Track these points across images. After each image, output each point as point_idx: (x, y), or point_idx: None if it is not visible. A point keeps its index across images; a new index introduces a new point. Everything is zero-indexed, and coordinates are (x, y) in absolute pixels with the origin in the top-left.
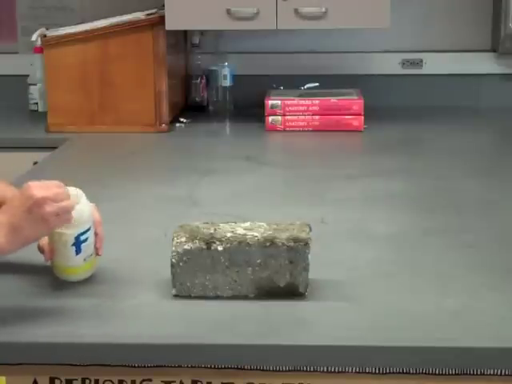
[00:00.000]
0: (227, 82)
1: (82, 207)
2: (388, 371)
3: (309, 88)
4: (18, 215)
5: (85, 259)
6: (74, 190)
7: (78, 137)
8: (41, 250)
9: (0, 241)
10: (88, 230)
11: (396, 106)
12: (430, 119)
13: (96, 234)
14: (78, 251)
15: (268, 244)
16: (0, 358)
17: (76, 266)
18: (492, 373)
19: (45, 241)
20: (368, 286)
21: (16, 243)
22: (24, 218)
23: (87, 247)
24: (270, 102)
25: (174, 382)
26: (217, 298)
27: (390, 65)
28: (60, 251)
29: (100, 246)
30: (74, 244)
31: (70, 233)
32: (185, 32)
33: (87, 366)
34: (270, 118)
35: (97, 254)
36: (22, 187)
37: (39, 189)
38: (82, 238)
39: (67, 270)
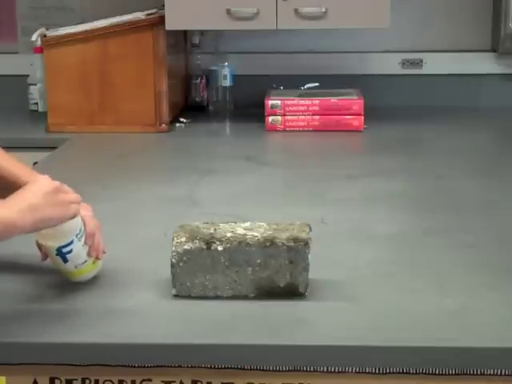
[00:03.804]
0: (227, 82)
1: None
2: (388, 371)
3: (309, 88)
4: (37, 196)
5: (76, 267)
6: None
7: (77, 137)
8: (39, 247)
9: (12, 216)
10: (70, 243)
11: (396, 106)
12: (430, 119)
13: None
14: (65, 261)
15: (268, 244)
16: (0, 357)
17: (69, 271)
18: (492, 373)
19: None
20: (368, 286)
21: (30, 222)
22: (43, 200)
23: (75, 257)
24: (270, 102)
25: (174, 382)
26: (217, 297)
27: (390, 65)
28: (51, 257)
29: (96, 254)
30: (57, 254)
31: (50, 245)
32: (185, 32)
33: (87, 366)
34: (270, 118)
35: (97, 259)
36: (36, 178)
37: (52, 180)
38: (65, 250)
39: (65, 273)
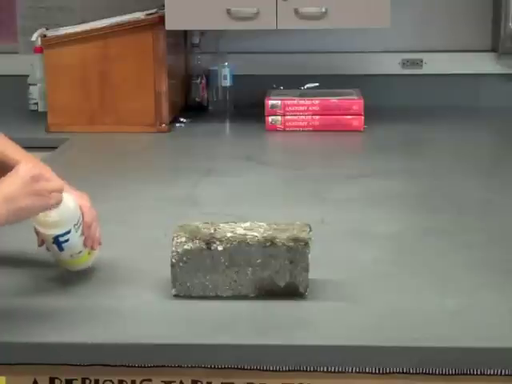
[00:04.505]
0: (227, 82)
1: (62, 209)
2: (388, 371)
3: (309, 88)
4: (13, 186)
5: (71, 255)
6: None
7: (78, 137)
8: (36, 232)
9: None
10: (68, 232)
11: (396, 106)
12: (430, 119)
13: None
14: (60, 249)
15: (268, 244)
16: (0, 358)
17: (64, 260)
18: (492, 373)
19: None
20: (368, 286)
21: (7, 214)
22: (20, 189)
23: (72, 246)
24: (270, 102)
25: (174, 381)
26: (217, 297)
27: (389, 65)
28: (47, 244)
29: (91, 244)
30: (54, 242)
31: (47, 233)
32: (185, 32)
33: (87, 366)
34: (270, 118)
35: (92, 249)
36: (19, 165)
37: (34, 167)
38: (62, 239)
39: (59, 261)
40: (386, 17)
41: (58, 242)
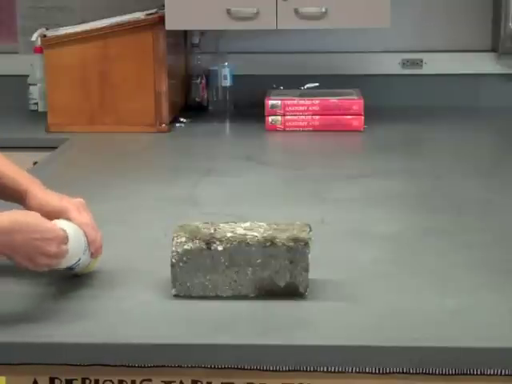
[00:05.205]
0: (227, 82)
1: (71, 244)
2: (388, 371)
3: (309, 88)
4: (26, 228)
5: (82, 268)
6: (66, 226)
7: (78, 137)
8: None
9: None
10: (78, 260)
11: (396, 106)
12: (430, 119)
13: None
14: (71, 270)
15: (268, 244)
16: (0, 358)
17: (75, 272)
18: (492, 373)
19: None
20: (368, 286)
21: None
22: (27, 236)
23: (82, 265)
24: (270, 102)
25: (174, 381)
26: (217, 297)
27: (389, 65)
28: None
29: (96, 256)
30: (66, 269)
31: (58, 267)
32: (185, 32)
33: (87, 365)
34: (270, 118)
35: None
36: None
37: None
38: (73, 266)
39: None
40: (386, 17)
41: (69, 268)
